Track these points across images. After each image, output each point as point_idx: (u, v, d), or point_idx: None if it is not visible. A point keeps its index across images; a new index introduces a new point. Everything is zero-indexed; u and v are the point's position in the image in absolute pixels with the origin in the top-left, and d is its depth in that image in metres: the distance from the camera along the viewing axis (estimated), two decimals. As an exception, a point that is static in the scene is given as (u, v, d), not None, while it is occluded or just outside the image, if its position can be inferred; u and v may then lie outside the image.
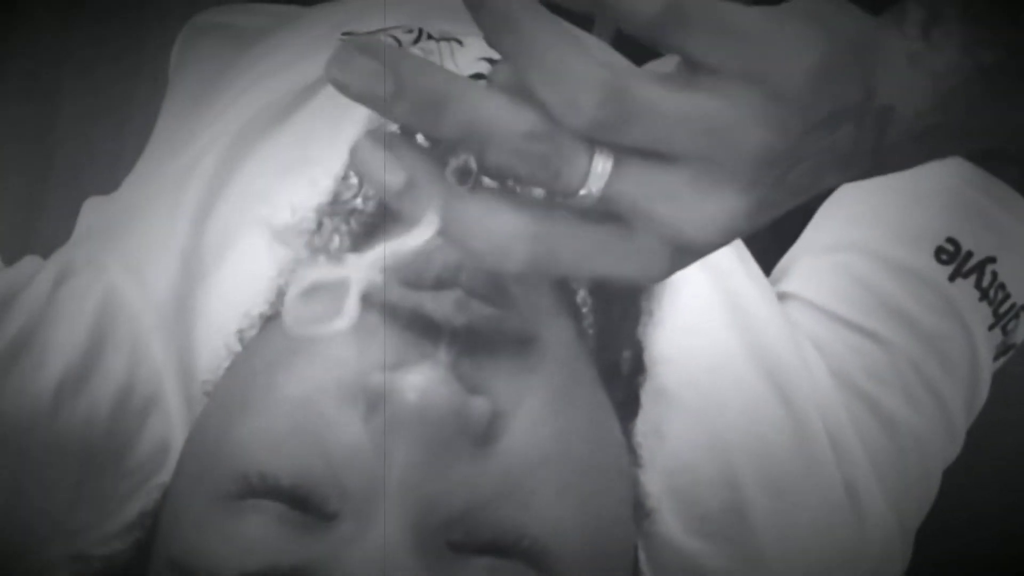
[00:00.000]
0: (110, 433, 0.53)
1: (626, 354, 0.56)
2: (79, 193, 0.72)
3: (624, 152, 0.33)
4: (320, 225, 0.53)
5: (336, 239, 0.52)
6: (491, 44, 0.32)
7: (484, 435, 0.42)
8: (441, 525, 0.40)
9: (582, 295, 0.53)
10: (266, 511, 0.41)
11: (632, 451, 0.55)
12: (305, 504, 0.41)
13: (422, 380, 0.40)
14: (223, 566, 0.40)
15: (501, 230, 0.33)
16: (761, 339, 0.58)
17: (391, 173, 0.32)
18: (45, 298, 0.54)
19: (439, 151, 0.33)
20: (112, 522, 0.51)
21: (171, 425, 0.53)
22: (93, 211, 0.68)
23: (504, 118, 0.32)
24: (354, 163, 0.33)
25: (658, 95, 0.32)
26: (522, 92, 0.32)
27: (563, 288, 0.52)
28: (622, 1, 0.31)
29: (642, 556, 0.55)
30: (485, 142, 0.32)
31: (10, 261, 0.58)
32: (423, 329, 0.42)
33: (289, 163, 0.59)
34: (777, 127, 0.32)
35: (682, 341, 0.57)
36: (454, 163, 0.33)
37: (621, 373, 0.55)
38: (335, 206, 0.54)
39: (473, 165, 0.33)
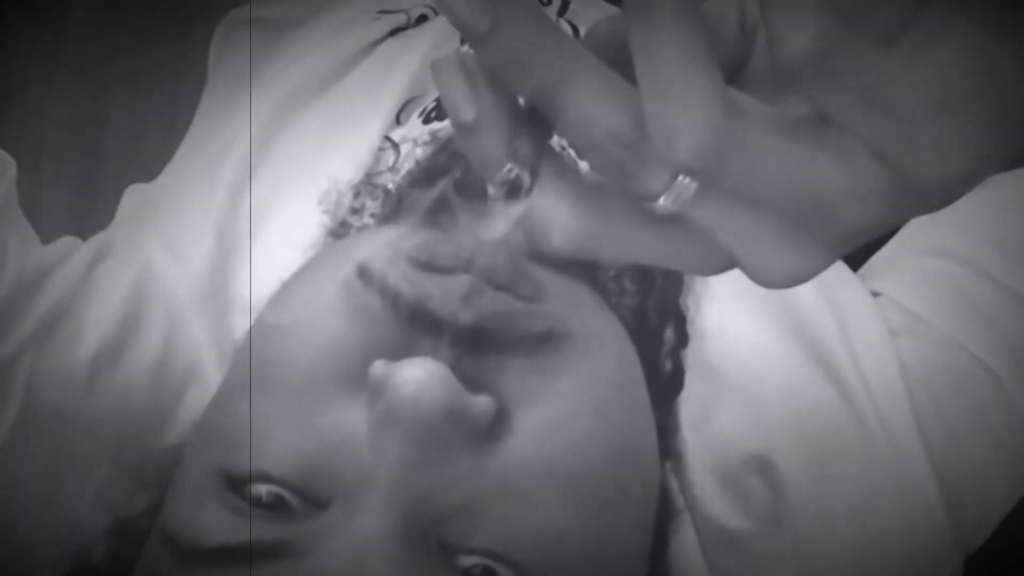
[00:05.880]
0: (148, 406, 0.53)
1: (669, 326, 0.54)
2: (126, 187, 0.73)
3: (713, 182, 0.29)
4: (357, 195, 0.52)
5: (367, 213, 0.52)
6: (626, 17, 0.27)
7: (484, 435, 0.40)
8: (432, 520, 0.39)
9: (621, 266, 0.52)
10: (257, 493, 0.40)
11: (675, 429, 0.54)
12: (296, 489, 0.40)
13: (420, 374, 0.39)
14: (208, 536, 0.39)
15: (552, 209, 0.31)
16: (802, 318, 0.57)
17: (464, 106, 0.29)
18: (81, 274, 0.54)
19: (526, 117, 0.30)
20: (149, 495, 0.50)
21: (209, 397, 0.53)
22: (134, 196, 0.69)
23: (590, 107, 0.28)
24: (434, 80, 0.30)
25: (773, 150, 0.28)
26: (619, 62, 0.29)
27: (600, 270, 0.50)
28: (776, 38, 0.26)
29: (693, 537, 0.54)
30: (562, 122, 0.29)
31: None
32: (426, 323, 0.41)
33: (325, 137, 0.58)
34: (886, 207, 0.29)
35: (727, 316, 0.56)
36: (503, 175, 0.30)
37: (664, 346, 0.54)
38: (369, 178, 0.53)
39: (526, 180, 0.30)
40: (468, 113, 0.29)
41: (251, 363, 0.42)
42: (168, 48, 1.05)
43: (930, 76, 0.27)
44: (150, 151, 0.78)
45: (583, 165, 0.30)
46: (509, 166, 0.30)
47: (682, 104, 0.27)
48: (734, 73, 0.34)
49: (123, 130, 1.08)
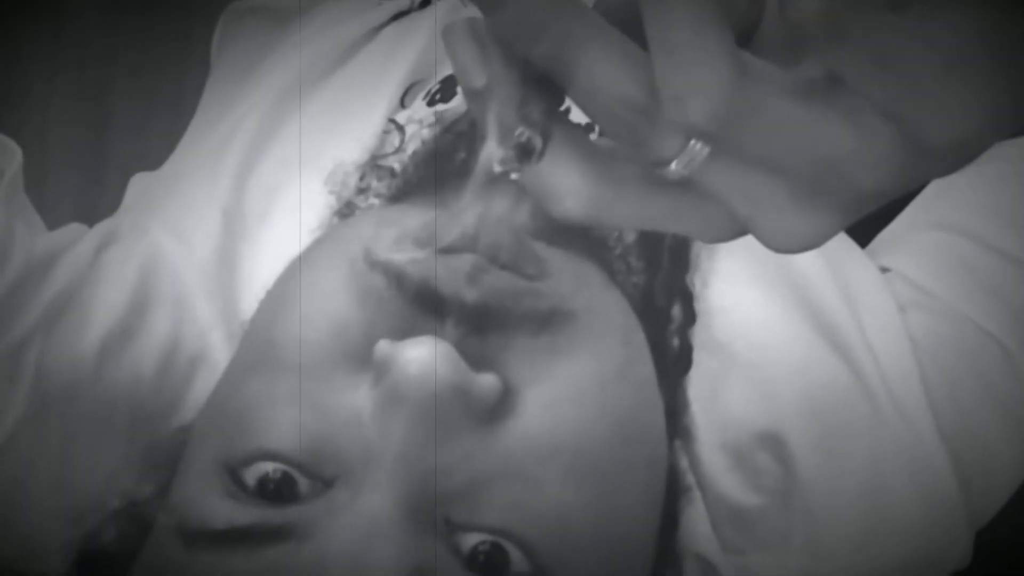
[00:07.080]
0: (157, 390, 0.53)
1: (676, 304, 0.54)
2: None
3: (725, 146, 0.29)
4: (363, 175, 0.52)
5: (372, 193, 0.52)
6: None
7: (490, 414, 0.40)
8: (438, 499, 0.39)
9: (628, 243, 0.52)
10: (263, 471, 0.40)
11: (684, 407, 0.54)
12: (302, 467, 0.40)
13: (425, 353, 0.38)
14: (214, 519, 0.39)
15: (564, 174, 0.30)
16: (809, 294, 0.57)
17: (475, 72, 0.29)
18: (88, 260, 0.54)
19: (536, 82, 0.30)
20: (158, 477, 0.50)
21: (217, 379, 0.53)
22: (139, 184, 0.69)
23: (601, 71, 0.28)
24: (445, 46, 0.30)
25: (784, 113, 0.28)
26: (630, 26, 0.28)
27: (606, 248, 0.50)
28: (788, 0, 0.26)
29: (704, 514, 0.54)
30: (573, 86, 0.29)
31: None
32: (431, 302, 0.41)
33: (330, 121, 0.59)
34: (897, 170, 0.29)
35: (734, 293, 0.56)
36: (515, 139, 0.29)
37: (671, 324, 0.54)
38: (375, 160, 0.53)
39: (537, 144, 0.30)
40: (479, 79, 0.29)
41: (301, 340, 0.42)
42: (171, 46, 1.05)
43: (941, 37, 0.27)
44: (154, 146, 0.78)
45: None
46: (520, 130, 0.29)
47: (694, 67, 0.27)
48: (745, 36, 0.33)
49: (127, 128, 1.08)
